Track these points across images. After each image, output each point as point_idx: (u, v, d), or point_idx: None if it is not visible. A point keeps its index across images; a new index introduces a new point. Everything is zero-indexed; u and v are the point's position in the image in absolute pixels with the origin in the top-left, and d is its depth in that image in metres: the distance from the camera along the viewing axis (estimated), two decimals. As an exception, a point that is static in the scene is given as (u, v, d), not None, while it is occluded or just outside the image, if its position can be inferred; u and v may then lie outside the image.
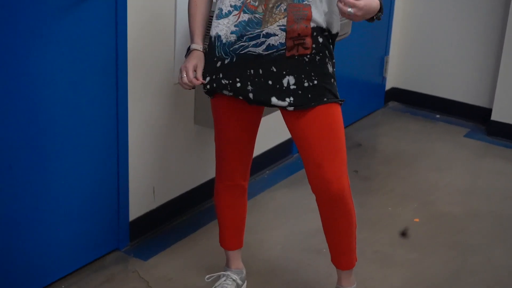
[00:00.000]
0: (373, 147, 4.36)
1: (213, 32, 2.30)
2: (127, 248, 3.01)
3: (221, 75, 2.31)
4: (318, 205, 2.49)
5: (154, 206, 3.11)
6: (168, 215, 3.20)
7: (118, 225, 2.94)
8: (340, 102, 2.38)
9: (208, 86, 2.35)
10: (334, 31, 2.34)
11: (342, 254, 2.59)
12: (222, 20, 2.27)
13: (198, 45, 2.36)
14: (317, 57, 2.30)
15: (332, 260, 2.63)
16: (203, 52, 2.37)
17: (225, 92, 2.33)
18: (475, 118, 4.72)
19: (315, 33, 2.28)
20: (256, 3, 2.22)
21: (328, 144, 2.36)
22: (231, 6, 2.25)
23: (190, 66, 2.33)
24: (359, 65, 4.53)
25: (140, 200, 3.03)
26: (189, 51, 2.38)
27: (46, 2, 2.38)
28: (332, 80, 2.36)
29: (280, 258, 3.01)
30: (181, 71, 2.36)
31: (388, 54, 4.80)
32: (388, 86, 4.96)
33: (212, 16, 2.34)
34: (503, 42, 4.41)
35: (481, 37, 4.59)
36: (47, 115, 2.50)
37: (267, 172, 3.80)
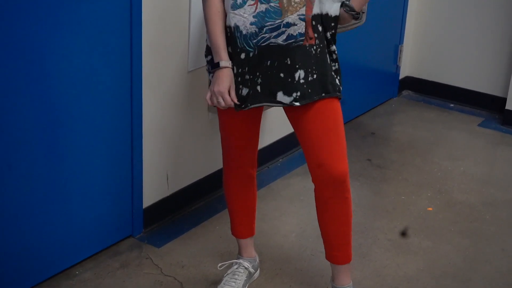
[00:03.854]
0: (387, 135, 4.34)
1: (230, 23, 2.23)
2: (141, 235, 3.01)
3: (246, 69, 2.27)
4: (317, 195, 2.45)
5: (168, 193, 3.11)
6: (181, 202, 3.20)
7: (132, 212, 2.95)
8: (339, 97, 2.35)
9: (242, 106, 2.29)
10: (332, 14, 2.29)
11: (340, 246, 2.52)
12: (238, 10, 2.21)
13: (228, 62, 2.25)
14: (319, 49, 2.28)
15: (327, 257, 2.56)
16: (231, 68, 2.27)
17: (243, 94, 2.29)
18: (489, 107, 4.69)
19: (313, 22, 2.25)
20: None
21: (331, 138, 2.35)
22: None
23: (226, 90, 2.24)
24: (373, 53, 4.51)
25: (154, 187, 3.03)
26: (217, 67, 2.25)
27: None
28: (331, 72, 2.32)
29: (294, 246, 3.01)
30: (215, 95, 2.25)
31: (402, 43, 4.77)
32: (402, 75, 4.93)
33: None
34: (519, 30, 4.38)
35: (496, 26, 4.56)
36: (62, 104, 2.51)
37: (280, 160, 3.80)
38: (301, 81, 2.26)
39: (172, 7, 2.87)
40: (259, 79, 2.26)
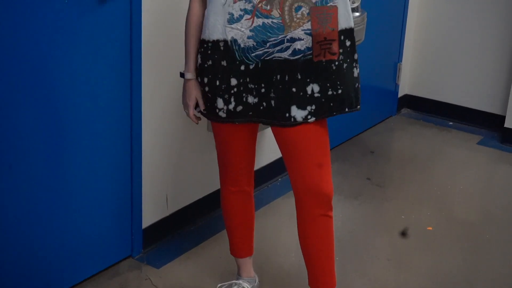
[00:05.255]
0: (386, 154, 4.35)
1: (226, 37, 2.24)
2: (141, 255, 3.00)
3: (248, 79, 2.26)
4: (300, 218, 2.46)
5: (167, 213, 3.11)
6: (181, 223, 3.20)
7: (131, 232, 2.94)
8: (358, 109, 2.35)
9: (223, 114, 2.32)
10: (353, 26, 2.29)
11: (323, 272, 2.50)
12: (235, 24, 2.22)
13: (192, 74, 2.37)
14: (345, 64, 2.26)
15: (310, 284, 2.54)
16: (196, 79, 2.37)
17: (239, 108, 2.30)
18: (488, 125, 4.70)
19: (342, 37, 2.24)
20: (268, 7, 2.19)
21: (319, 158, 2.34)
22: (241, 10, 2.20)
23: (190, 103, 2.37)
24: (372, 71, 4.52)
25: (153, 208, 3.03)
26: (184, 79, 2.38)
27: (64, 4, 2.40)
28: (357, 85, 2.32)
29: (294, 266, 3.00)
30: (184, 107, 2.41)
31: (401, 61, 4.78)
32: (401, 93, 4.94)
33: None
34: (517, 48, 4.40)
35: (494, 44, 4.58)
36: (61, 122, 2.51)
37: (280, 179, 3.79)
38: (316, 95, 2.24)
39: (172, 17, 2.87)
40: (272, 93, 2.24)
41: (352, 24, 2.26)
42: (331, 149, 2.47)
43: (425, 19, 4.82)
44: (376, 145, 4.39)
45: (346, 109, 2.30)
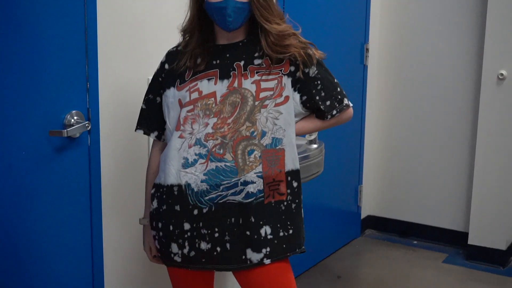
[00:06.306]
0: (353, 278, 4.30)
1: (181, 181, 2.25)
2: None
3: (201, 224, 2.25)
4: None
5: None
6: None
7: None
8: (304, 250, 2.37)
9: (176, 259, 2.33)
10: (299, 168, 2.34)
11: None
12: (189, 169, 2.24)
13: (147, 220, 2.43)
14: (293, 204, 2.30)
15: None
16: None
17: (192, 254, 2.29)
18: (453, 242, 4.72)
19: (289, 178, 2.28)
20: (221, 151, 2.22)
21: None
22: (195, 154, 2.23)
23: (146, 249, 2.47)
24: (333, 195, 4.55)
25: None
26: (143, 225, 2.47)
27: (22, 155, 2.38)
28: (303, 226, 2.36)
29: None
30: (146, 252, 2.49)
31: (362, 183, 4.83)
32: (364, 214, 4.96)
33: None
34: (473, 165, 4.48)
35: (452, 162, 4.67)
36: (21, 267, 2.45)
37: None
38: (269, 236, 2.25)
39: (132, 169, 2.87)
40: (227, 236, 2.24)
41: (298, 166, 2.32)
42: (296, 277, 2.44)
43: (383, 142, 4.92)
44: (342, 270, 4.35)
45: (297, 250, 2.31)
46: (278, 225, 2.27)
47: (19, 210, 2.40)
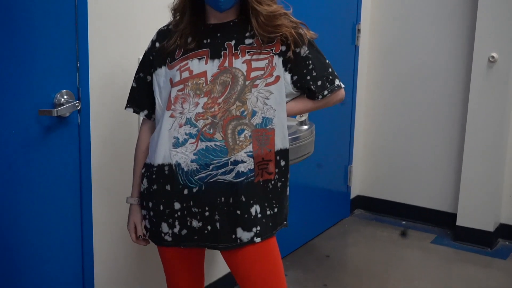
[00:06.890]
0: (342, 258, 4.33)
1: (171, 161, 2.26)
2: None
3: (191, 203, 2.26)
4: None
5: None
6: None
7: None
8: (286, 225, 2.40)
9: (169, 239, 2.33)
10: (288, 147, 2.35)
11: None
12: (180, 148, 2.24)
13: (134, 199, 2.43)
14: (279, 183, 2.31)
15: None
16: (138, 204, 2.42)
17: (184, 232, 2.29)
18: (441, 223, 4.75)
19: (278, 157, 2.29)
20: (211, 131, 2.22)
21: (274, 281, 2.32)
22: (186, 134, 2.24)
23: (130, 227, 2.44)
24: (324, 175, 4.56)
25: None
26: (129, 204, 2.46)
27: (14, 136, 2.37)
28: (287, 203, 2.38)
29: None
30: (129, 231, 2.46)
31: (352, 164, 4.85)
32: (353, 194, 4.98)
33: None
34: (463, 146, 4.50)
35: (442, 143, 4.68)
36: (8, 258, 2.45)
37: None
38: (259, 215, 2.26)
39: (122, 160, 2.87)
40: (216, 215, 2.25)
41: (287, 146, 2.33)
42: (285, 257, 2.45)
43: (374, 122, 4.92)
44: (331, 249, 4.38)
45: (278, 227, 2.33)
46: (266, 204, 2.28)
47: (8, 190, 2.39)
